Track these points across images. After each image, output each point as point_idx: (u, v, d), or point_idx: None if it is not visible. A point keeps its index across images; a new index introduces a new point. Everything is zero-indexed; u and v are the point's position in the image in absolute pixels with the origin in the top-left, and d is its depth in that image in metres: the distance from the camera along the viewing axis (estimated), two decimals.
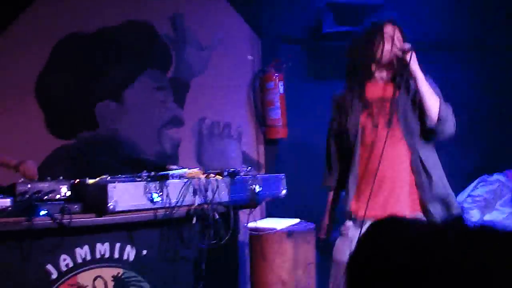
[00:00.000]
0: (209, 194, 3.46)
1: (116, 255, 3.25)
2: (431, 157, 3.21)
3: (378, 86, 3.28)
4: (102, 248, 3.21)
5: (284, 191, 3.99)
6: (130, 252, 3.30)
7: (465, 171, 5.77)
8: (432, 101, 3.10)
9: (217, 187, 3.50)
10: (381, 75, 3.28)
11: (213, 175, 3.54)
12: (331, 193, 3.51)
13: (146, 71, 5.00)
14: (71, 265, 3.12)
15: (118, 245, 3.26)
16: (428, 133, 3.19)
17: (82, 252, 3.15)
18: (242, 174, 3.73)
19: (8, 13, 4.69)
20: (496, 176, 5.38)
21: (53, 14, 4.84)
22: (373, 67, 3.26)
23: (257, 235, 4.30)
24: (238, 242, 3.90)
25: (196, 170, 3.56)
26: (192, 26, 5.13)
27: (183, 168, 3.61)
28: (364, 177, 3.20)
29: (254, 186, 3.73)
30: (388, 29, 3.21)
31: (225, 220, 3.54)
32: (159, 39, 5.05)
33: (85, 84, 4.83)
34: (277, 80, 5.19)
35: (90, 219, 3.10)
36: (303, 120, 5.31)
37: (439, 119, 3.10)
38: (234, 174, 3.66)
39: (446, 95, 5.70)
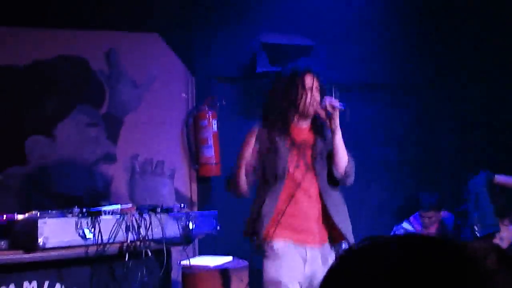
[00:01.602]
0: (142, 230, 3.42)
1: None
2: (336, 199, 3.50)
3: (301, 131, 3.49)
4: (29, 286, 3.12)
5: (217, 228, 3.99)
6: None
7: (395, 205, 5.92)
8: (343, 157, 3.41)
9: (150, 223, 3.47)
10: (301, 121, 3.48)
11: (146, 212, 3.51)
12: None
13: (79, 106, 4.94)
14: None
15: (47, 283, 3.17)
16: (333, 180, 3.48)
17: None
18: (175, 211, 3.72)
19: None
20: (404, 225, 5.63)
21: None
22: (294, 115, 3.45)
23: (191, 273, 4.27)
24: (171, 280, 3.85)
25: (129, 206, 3.52)
26: (127, 63, 5.12)
27: (115, 204, 3.56)
28: (281, 207, 3.37)
29: (187, 223, 3.72)
30: (308, 80, 3.40)
31: (158, 257, 3.51)
32: (93, 75, 5.01)
33: (15, 118, 4.73)
34: (211, 118, 5.21)
35: (17, 256, 3.01)
36: (236, 158, 5.33)
37: (345, 172, 3.43)
38: (167, 211, 3.64)
39: (374, 132, 5.91)
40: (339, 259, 1.01)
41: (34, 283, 3.12)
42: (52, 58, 4.88)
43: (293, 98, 3.40)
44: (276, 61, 5.34)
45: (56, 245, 3.04)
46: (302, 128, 3.50)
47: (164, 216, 3.57)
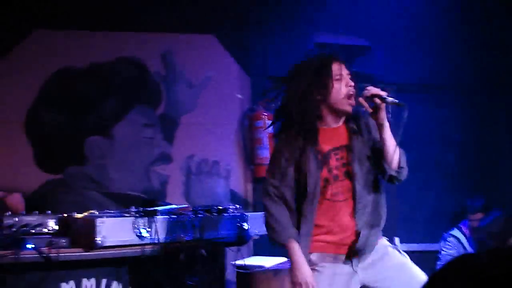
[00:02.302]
0: (197, 231, 3.45)
1: None
2: (380, 202, 3.07)
3: (333, 133, 3.00)
4: (88, 284, 3.18)
5: None
6: None
7: (450, 212, 5.80)
8: (393, 150, 2.92)
9: (206, 224, 3.49)
10: (332, 119, 2.99)
11: (202, 212, 3.53)
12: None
13: (135, 108, 5.01)
14: None
15: (104, 281, 3.23)
16: (386, 179, 3.03)
17: (68, 287, 3.11)
18: (230, 211, 3.73)
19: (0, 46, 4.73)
20: (453, 232, 5.53)
21: (45, 49, 4.87)
22: (323, 111, 2.95)
23: (245, 273, 4.28)
24: (225, 280, 3.86)
25: (184, 206, 3.56)
26: (182, 64, 5.17)
27: (171, 204, 3.60)
28: (318, 223, 2.97)
29: (242, 223, 3.72)
30: (335, 68, 2.91)
31: (213, 258, 3.53)
32: (149, 76, 5.08)
33: (75, 119, 4.84)
34: (266, 118, 5.21)
35: (77, 253, 3.07)
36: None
37: (399, 167, 2.96)
38: (222, 212, 3.66)
39: (431, 134, 5.81)
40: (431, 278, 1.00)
41: (93, 281, 3.18)
42: (110, 60, 4.97)
43: (321, 91, 2.88)
44: None
45: (113, 243, 3.10)
46: (335, 129, 3.00)
47: (219, 217, 3.58)
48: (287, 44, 5.44)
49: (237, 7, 5.29)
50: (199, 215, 3.49)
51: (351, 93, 2.88)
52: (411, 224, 5.85)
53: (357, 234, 2.95)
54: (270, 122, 5.00)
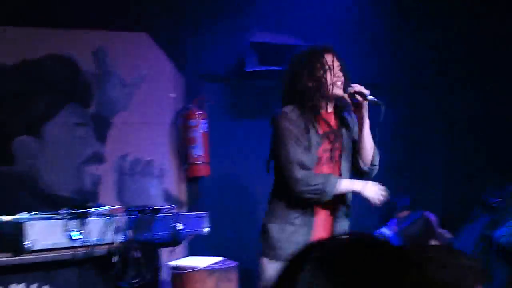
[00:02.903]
0: (131, 232, 3.41)
1: None
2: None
3: (327, 117, 3.25)
4: None
5: (207, 229, 3.98)
6: None
7: (380, 208, 5.91)
8: (371, 149, 3.24)
9: (139, 224, 3.45)
10: (325, 105, 3.24)
11: (135, 213, 3.49)
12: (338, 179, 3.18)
13: (67, 106, 4.90)
14: None
15: (35, 286, 3.15)
16: (357, 174, 3.33)
17: None
18: (164, 211, 3.70)
19: None
20: (383, 230, 5.66)
21: None
22: (318, 98, 3.20)
23: (179, 274, 4.26)
24: (160, 281, 3.83)
25: (117, 207, 3.51)
26: (115, 62, 5.09)
27: (104, 205, 3.54)
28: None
29: (176, 224, 3.70)
30: (329, 58, 3.18)
31: (147, 259, 3.49)
32: (81, 74, 4.98)
33: (2, 118, 4.69)
34: (200, 118, 5.19)
35: (4, 258, 2.98)
36: (225, 158, 5.32)
37: (372, 164, 3.27)
38: (156, 212, 3.63)
39: None
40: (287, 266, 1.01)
41: (22, 286, 3.10)
42: (40, 57, 4.84)
43: (315, 78, 3.15)
44: (266, 61, 5.34)
45: (43, 247, 3.03)
46: (329, 113, 3.27)
47: (153, 217, 3.55)
48: (221, 43, 5.44)
49: (171, 4, 5.24)
50: (133, 216, 3.45)
51: (340, 81, 3.15)
52: None
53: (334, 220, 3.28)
54: (204, 120, 5.04)
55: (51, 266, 3.17)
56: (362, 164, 3.26)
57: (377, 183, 3.22)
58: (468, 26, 5.87)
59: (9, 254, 2.99)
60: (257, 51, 5.39)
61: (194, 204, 5.28)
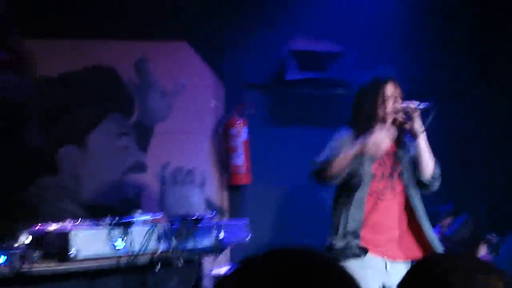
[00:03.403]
0: (173, 240, 3.41)
1: None
2: (421, 207, 3.43)
3: None
4: None
5: (248, 237, 3.97)
6: None
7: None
8: (429, 160, 3.34)
9: (181, 233, 3.45)
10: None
11: (177, 222, 3.50)
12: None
13: (109, 116, 4.96)
14: None
15: None
16: (419, 187, 3.43)
17: None
18: (206, 220, 3.70)
19: None
20: None
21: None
22: (377, 123, 3.37)
23: None
24: None
25: (160, 215, 3.52)
26: (156, 72, 5.13)
27: (146, 214, 3.56)
28: (365, 220, 3.32)
29: (218, 232, 3.70)
30: (389, 88, 3.39)
31: (189, 267, 3.49)
32: (123, 84, 5.03)
33: (48, 128, 4.77)
34: (241, 126, 5.20)
35: (49, 267, 3.01)
36: (266, 166, 5.31)
37: (432, 177, 3.38)
38: (198, 221, 3.63)
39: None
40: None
41: None
42: (82, 69, 4.91)
43: (376, 106, 3.38)
44: (306, 68, 5.32)
45: (87, 256, 3.05)
46: None
47: (195, 226, 3.55)
48: (261, 51, 5.44)
49: (211, 13, 5.27)
50: (175, 225, 3.46)
51: (398, 108, 3.34)
52: None
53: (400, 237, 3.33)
54: (245, 129, 5.05)
55: (94, 274, 3.19)
56: (422, 177, 3.38)
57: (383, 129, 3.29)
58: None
59: (53, 263, 3.01)
60: (297, 59, 5.37)
61: (235, 212, 5.28)
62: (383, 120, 3.37)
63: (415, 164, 3.38)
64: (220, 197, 5.30)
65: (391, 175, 3.37)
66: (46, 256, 3.02)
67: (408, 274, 1.00)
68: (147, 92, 5.11)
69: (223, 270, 4.07)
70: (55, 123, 4.80)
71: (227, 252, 4.95)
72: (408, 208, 3.38)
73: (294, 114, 5.50)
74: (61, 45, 4.92)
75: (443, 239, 5.42)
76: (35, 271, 2.93)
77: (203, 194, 5.24)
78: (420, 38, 5.85)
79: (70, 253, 2.95)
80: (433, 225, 5.52)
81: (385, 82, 3.41)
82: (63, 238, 2.98)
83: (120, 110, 5.03)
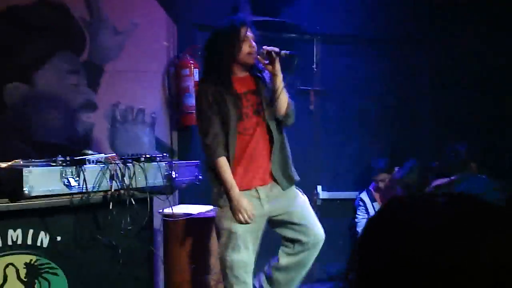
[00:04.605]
0: (126, 179, 3.44)
1: (29, 242, 3.18)
2: (283, 139, 3.80)
3: (242, 80, 3.72)
4: (14, 235, 3.13)
5: (199, 178, 4.03)
6: (43, 239, 3.23)
7: (370, 159, 5.99)
8: (284, 99, 3.66)
9: (134, 172, 3.48)
10: (240, 71, 3.70)
11: (130, 161, 3.52)
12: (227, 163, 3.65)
13: (58, 54, 4.86)
14: None
15: (31, 231, 3.19)
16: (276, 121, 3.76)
17: None
18: (158, 160, 3.74)
19: None
20: (362, 195, 5.76)
21: None
22: (233, 66, 3.67)
23: (172, 221, 4.32)
24: (153, 228, 3.89)
25: (113, 155, 3.53)
26: (108, 10, 5.04)
27: (99, 153, 3.56)
28: (239, 157, 3.67)
29: (170, 172, 3.74)
30: (243, 32, 3.62)
31: (141, 206, 3.54)
32: (73, 21, 4.93)
33: None
34: (193, 67, 5.18)
35: (2, 204, 3.01)
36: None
37: (286, 114, 3.69)
38: (150, 160, 3.66)
39: (353, 84, 5.94)
40: (384, 208, 1.04)
41: (19, 231, 3.14)
42: (31, 3, 4.78)
43: (231, 50, 3.60)
44: (259, 11, 5.30)
45: (41, 193, 3.05)
46: (243, 78, 3.72)
47: (147, 165, 3.59)
48: None
49: None
50: (128, 164, 3.48)
51: (252, 51, 3.62)
52: (333, 173, 6.03)
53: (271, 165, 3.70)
54: (197, 69, 5.05)
55: (47, 212, 3.20)
56: (277, 114, 3.68)
57: (248, 207, 3.62)
58: None
59: (6, 200, 3.01)
60: (250, 1, 5.35)
61: (184, 153, 5.32)
62: (238, 62, 3.64)
63: (272, 101, 3.68)
64: (170, 138, 5.32)
65: (256, 112, 3.68)
66: None
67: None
68: (98, 29, 5.02)
69: (173, 209, 4.13)
70: (1, 59, 4.69)
71: (176, 193, 5.00)
72: (271, 140, 3.72)
73: None
74: None
75: (390, 183, 5.60)
76: None
77: (153, 134, 5.25)
78: None
79: (23, 190, 2.95)
80: (368, 180, 5.74)
81: (241, 25, 3.63)
82: (16, 175, 2.97)
83: (70, 47, 4.93)
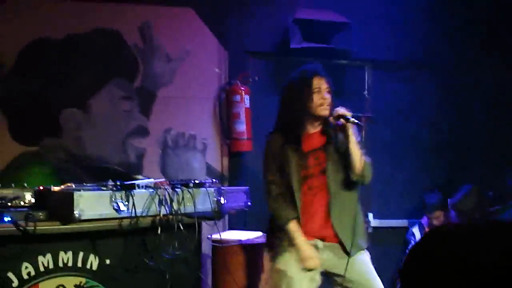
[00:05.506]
0: (175, 204, 3.47)
1: (79, 264, 3.23)
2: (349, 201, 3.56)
3: (312, 137, 3.54)
4: (65, 257, 3.19)
5: (248, 204, 4.03)
6: (93, 261, 3.28)
7: (423, 185, 5.88)
8: (357, 160, 3.45)
9: (183, 198, 3.51)
10: (312, 126, 3.54)
11: (179, 186, 3.55)
12: (295, 224, 3.48)
13: (113, 80, 4.98)
14: (33, 273, 3.09)
15: (81, 254, 3.24)
16: (351, 181, 3.52)
17: (45, 261, 3.12)
18: (207, 186, 3.75)
19: None
20: (414, 230, 5.65)
21: (21, 18, 4.79)
22: (305, 120, 3.51)
23: (221, 247, 4.32)
24: (201, 253, 3.90)
25: (162, 180, 3.57)
26: (161, 37, 5.14)
27: (149, 178, 3.61)
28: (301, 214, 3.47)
29: (219, 198, 3.75)
30: (316, 82, 3.47)
31: (189, 231, 3.55)
32: (127, 48, 5.05)
33: (51, 90, 4.79)
34: (243, 93, 5.22)
35: (54, 227, 3.08)
36: (267, 133, 5.34)
37: (361, 176, 3.47)
38: (199, 186, 3.68)
39: (406, 111, 5.87)
40: (427, 235, 1.02)
41: (70, 254, 3.20)
42: (87, 32, 4.92)
43: (302, 102, 3.46)
44: (310, 38, 5.31)
45: (91, 217, 3.11)
46: (314, 134, 3.56)
47: (196, 191, 3.61)
48: (266, 19, 5.45)
49: None
50: (177, 189, 3.51)
51: (325, 103, 3.45)
52: (385, 200, 5.94)
53: (332, 224, 3.48)
54: (248, 96, 5.08)
55: (97, 236, 3.25)
56: (352, 175, 3.48)
57: (316, 252, 3.45)
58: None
59: (57, 223, 3.07)
60: (301, 28, 5.37)
61: (235, 179, 5.33)
62: (310, 116, 3.48)
63: (345, 161, 3.49)
64: (221, 164, 5.35)
65: (321, 171, 3.50)
66: (51, 217, 3.08)
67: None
68: (151, 56, 5.13)
69: (221, 235, 4.14)
70: (59, 85, 4.82)
71: (226, 218, 5.02)
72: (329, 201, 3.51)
73: None
74: (66, 6, 4.92)
75: (450, 207, 5.46)
76: (39, 230, 3.00)
77: (204, 159, 5.29)
78: (425, 12, 5.85)
79: (74, 214, 3.01)
80: (421, 217, 5.63)
81: (312, 75, 3.48)
82: (67, 199, 3.03)
83: (124, 74, 5.05)
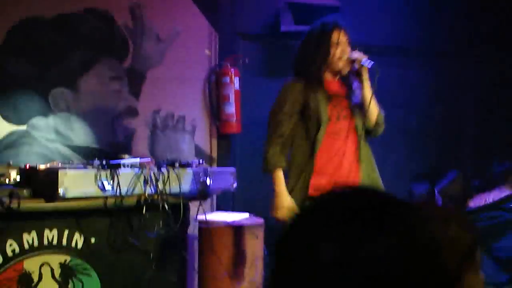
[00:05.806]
0: (160, 184, 3.49)
1: (64, 242, 3.26)
2: (367, 149, 3.67)
3: (333, 83, 3.60)
4: (50, 235, 3.22)
5: (234, 185, 4.05)
6: (78, 240, 3.31)
7: (412, 172, 5.91)
8: (373, 108, 3.54)
9: (168, 178, 3.53)
10: (330, 76, 3.61)
11: (165, 166, 3.57)
12: (281, 173, 3.58)
13: (102, 60, 4.97)
14: (17, 250, 3.11)
15: (66, 232, 3.27)
16: (365, 131, 3.64)
17: (30, 238, 3.15)
18: (193, 166, 3.77)
19: None
20: None
21: None
22: (324, 69, 3.56)
23: (207, 228, 4.35)
24: (187, 234, 3.93)
25: (148, 160, 3.58)
26: (151, 17, 5.13)
27: (135, 158, 3.62)
28: (324, 158, 3.53)
29: (205, 178, 3.77)
30: (336, 35, 3.52)
31: (175, 211, 3.58)
32: (117, 29, 5.03)
33: (40, 69, 4.78)
34: (233, 75, 5.22)
35: (39, 204, 3.10)
36: (257, 116, 5.35)
37: (376, 123, 3.58)
38: (185, 166, 3.70)
39: (397, 98, 5.88)
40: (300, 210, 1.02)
41: (55, 231, 3.22)
42: (77, 11, 4.90)
43: (323, 54, 3.50)
44: (301, 21, 5.31)
45: (75, 195, 3.13)
46: (333, 82, 3.61)
47: (182, 171, 3.63)
48: (257, 2, 5.44)
49: None
50: (162, 169, 3.53)
51: (344, 56, 3.49)
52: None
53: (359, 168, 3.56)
54: (238, 78, 5.09)
55: (82, 214, 3.28)
56: (367, 123, 3.57)
57: (293, 204, 3.49)
58: None
59: (42, 201, 3.10)
60: (292, 11, 5.36)
61: (223, 160, 5.35)
62: (329, 67, 3.54)
63: (361, 110, 3.57)
64: (209, 145, 5.37)
65: (347, 116, 3.55)
66: (35, 194, 3.10)
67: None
68: (141, 37, 5.11)
69: (207, 216, 4.16)
70: (47, 64, 4.81)
71: (212, 199, 5.04)
72: (358, 147, 3.59)
73: (287, 65, 5.51)
74: None
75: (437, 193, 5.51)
76: (24, 208, 3.02)
77: (193, 141, 5.30)
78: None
79: (58, 191, 3.03)
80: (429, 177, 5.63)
81: (332, 28, 3.54)
82: (52, 177, 3.05)
83: (114, 54, 5.03)
